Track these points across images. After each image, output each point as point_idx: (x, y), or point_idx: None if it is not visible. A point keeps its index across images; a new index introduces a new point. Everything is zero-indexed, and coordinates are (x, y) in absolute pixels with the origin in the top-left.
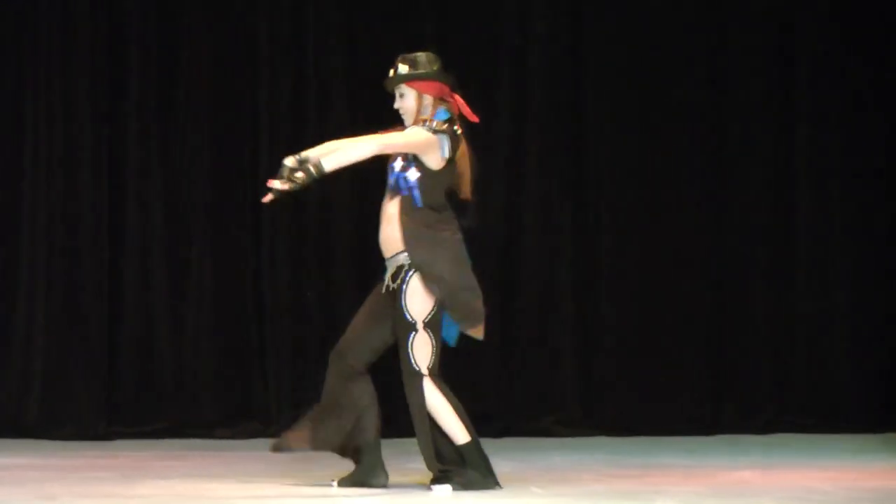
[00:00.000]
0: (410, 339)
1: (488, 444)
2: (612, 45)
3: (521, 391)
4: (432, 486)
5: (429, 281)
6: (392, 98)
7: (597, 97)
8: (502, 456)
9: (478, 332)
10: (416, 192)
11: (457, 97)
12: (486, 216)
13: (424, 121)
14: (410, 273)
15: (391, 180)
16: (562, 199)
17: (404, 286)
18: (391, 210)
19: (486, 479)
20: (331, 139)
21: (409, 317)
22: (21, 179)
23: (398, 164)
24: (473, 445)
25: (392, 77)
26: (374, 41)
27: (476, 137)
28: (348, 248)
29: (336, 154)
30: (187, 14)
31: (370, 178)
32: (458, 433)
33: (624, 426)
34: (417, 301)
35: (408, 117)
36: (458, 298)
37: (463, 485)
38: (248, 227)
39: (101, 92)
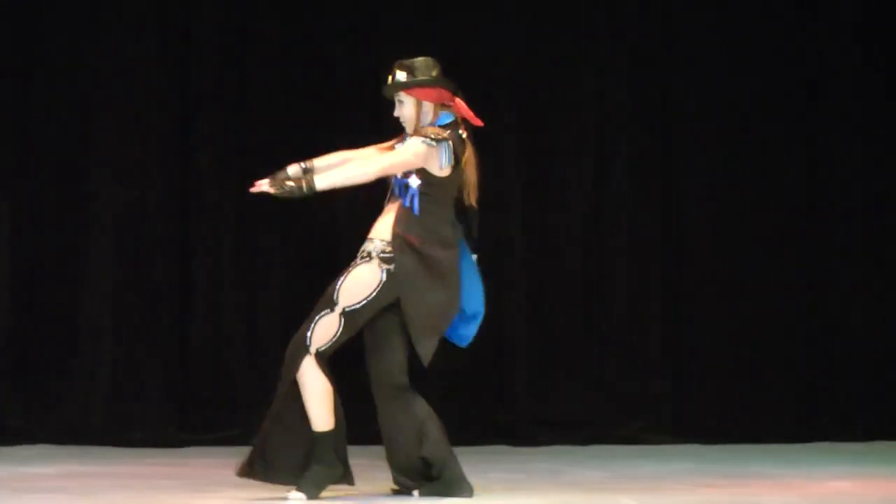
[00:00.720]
0: (322, 315)
1: (576, 452)
2: (703, 45)
3: (609, 398)
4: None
5: (395, 286)
6: (392, 105)
7: (685, 98)
8: (590, 465)
9: (425, 357)
10: (416, 201)
11: (458, 101)
12: (571, 218)
13: (426, 134)
14: (368, 260)
15: (394, 185)
16: (650, 202)
17: (353, 268)
18: (388, 214)
19: (328, 473)
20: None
21: (335, 296)
22: (88, 180)
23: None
24: (329, 437)
25: (390, 84)
26: (455, 35)
27: (559, 137)
28: None
29: (335, 174)
30: (257, 9)
31: None
32: (319, 420)
33: (715, 433)
34: (353, 287)
35: (408, 125)
36: (424, 319)
37: (304, 483)
38: (322, 232)
39: (171, 89)
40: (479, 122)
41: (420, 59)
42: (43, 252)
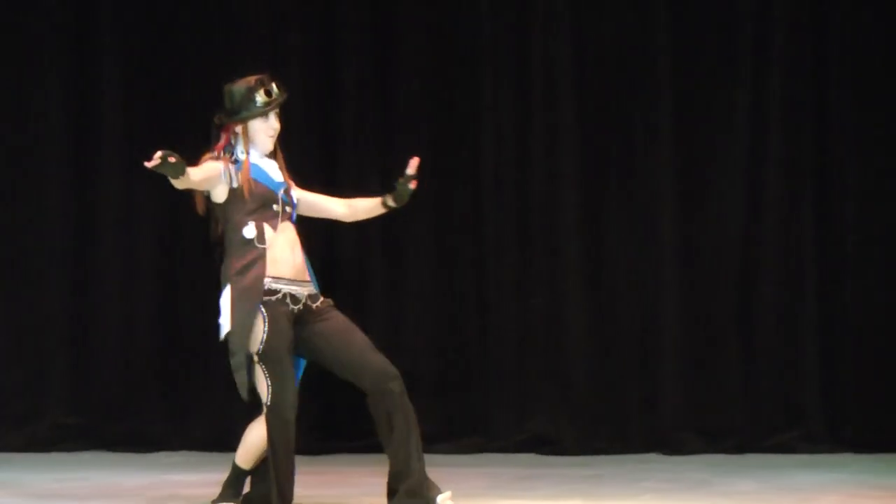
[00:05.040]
0: None
1: (727, 461)
2: (860, 40)
3: (763, 405)
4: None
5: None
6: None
7: (842, 96)
8: (743, 474)
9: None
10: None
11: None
12: (723, 224)
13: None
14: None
15: (286, 204)
16: (803, 208)
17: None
18: (295, 235)
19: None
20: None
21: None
22: None
23: (294, 192)
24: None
25: (284, 97)
26: (599, 30)
27: (712, 144)
28: (574, 255)
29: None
30: (403, 9)
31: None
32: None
33: (870, 443)
34: None
35: (274, 139)
36: None
37: None
38: (469, 230)
39: (315, 90)
40: None
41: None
42: (185, 262)
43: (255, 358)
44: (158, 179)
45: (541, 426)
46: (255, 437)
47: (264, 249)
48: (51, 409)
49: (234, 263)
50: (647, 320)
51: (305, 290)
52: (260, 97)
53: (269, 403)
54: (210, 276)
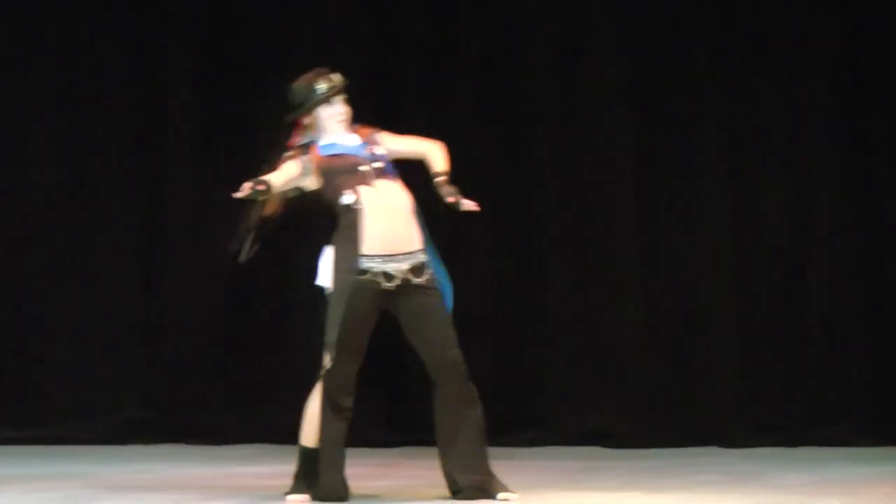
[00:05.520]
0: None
1: (781, 455)
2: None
3: (814, 400)
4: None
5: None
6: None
7: (882, 98)
8: (795, 466)
9: None
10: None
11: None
12: (774, 222)
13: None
14: (431, 269)
15: (380, 164)
16: (853, 202)
17: (434, 280)
18: (399, 202)
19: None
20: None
21: (449, 309)
22: None
23: (378, 149)
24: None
25: (345, 83)
26: (650, 33)
27: (766, 145)
28: (631, 253)
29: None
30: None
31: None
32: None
33: None
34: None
35: (346, 123)
36: None
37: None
38: (527, 230)
39: (373, 103)
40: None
41: None
42: (252, 260)
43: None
44: (225, 181)
45: (601, 420)
46: (316, 410)
47: (357, 215)
48: (124, 403)
49: (338, 230)
50: (702, 317)
51: (405, 263)
52: (321, 86)
53: (325, 370)
54: (277, 272)
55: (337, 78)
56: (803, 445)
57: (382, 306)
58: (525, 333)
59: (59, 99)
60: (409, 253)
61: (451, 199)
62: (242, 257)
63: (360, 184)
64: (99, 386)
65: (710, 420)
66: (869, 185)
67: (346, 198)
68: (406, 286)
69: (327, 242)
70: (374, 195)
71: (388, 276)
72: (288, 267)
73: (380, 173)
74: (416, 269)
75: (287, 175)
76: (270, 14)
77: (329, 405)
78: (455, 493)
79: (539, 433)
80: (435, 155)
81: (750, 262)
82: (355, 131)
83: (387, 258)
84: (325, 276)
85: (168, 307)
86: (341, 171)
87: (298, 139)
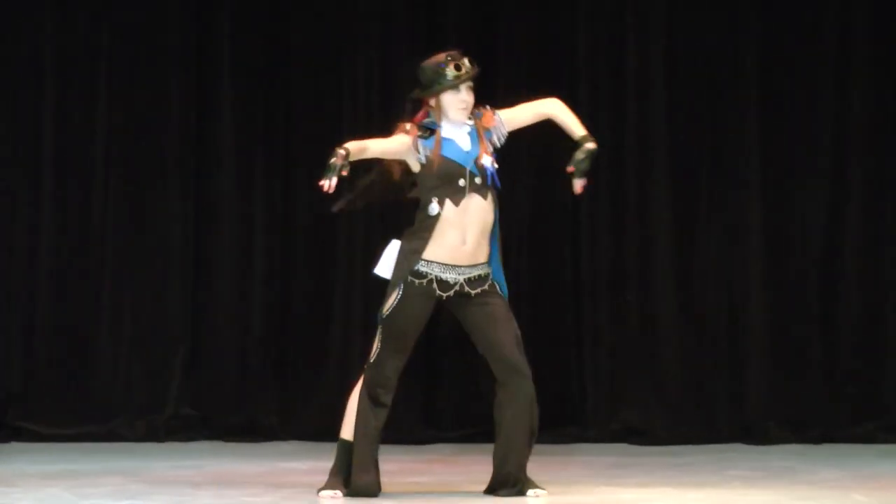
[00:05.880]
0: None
1: (811, 451)
2: None
3: (845, 397)
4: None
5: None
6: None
7: None
8: (826, 462)
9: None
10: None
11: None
12: (808, 224)
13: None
14: (496, 287)
15: (479, 180)
16: (885, 204)
17: (494, 286)
18: (488, 209)
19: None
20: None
21: (512, 317)
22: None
23: (487, 160)
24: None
25: (475, 69)
26: (689, 37)
27: (800, 141)
28: (666, 253)
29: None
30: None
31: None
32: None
33: None
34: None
35: (467, 112)
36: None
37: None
38: (563, 232)
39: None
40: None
41: None
42: (296, 262)
43: (379, 318)
44: (271, 184)
45: (633, 417)
46: (357, 403)
47: (435, 222)
48: (170, 401)
49: (413, 226)
50: (734, 315)
51: (465, 275)
52: (450, 71)
53: (369, 362)
54: (320, 272)
55: (466, 64)
56: (833, 442)
57: (435, 310)
58: (557, 333)
59: (112, 100)
60: (472, 266)
61: (579, 188)
62: (336, 208)
63: (451, 197)
64: (145, 385)
65: (742, 417)
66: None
67: (432, 207)
68: (460, 296)
69: (398, 236)
70: (459, 209)
71: (444, 285)
72: (329, 267)
73: (477, 188)
74: (474, 281)
75: (389, 146)
76: (313, 29)
77: (368, 398)
78: (490, 490)
79: (575, 430)
80: (563, 114)
81: (782, 260)
82: (480, 115)
83: (447, 267)
84: (386, 267)
85: (213, 310)
86: (441, 178)
87: (422, 116)
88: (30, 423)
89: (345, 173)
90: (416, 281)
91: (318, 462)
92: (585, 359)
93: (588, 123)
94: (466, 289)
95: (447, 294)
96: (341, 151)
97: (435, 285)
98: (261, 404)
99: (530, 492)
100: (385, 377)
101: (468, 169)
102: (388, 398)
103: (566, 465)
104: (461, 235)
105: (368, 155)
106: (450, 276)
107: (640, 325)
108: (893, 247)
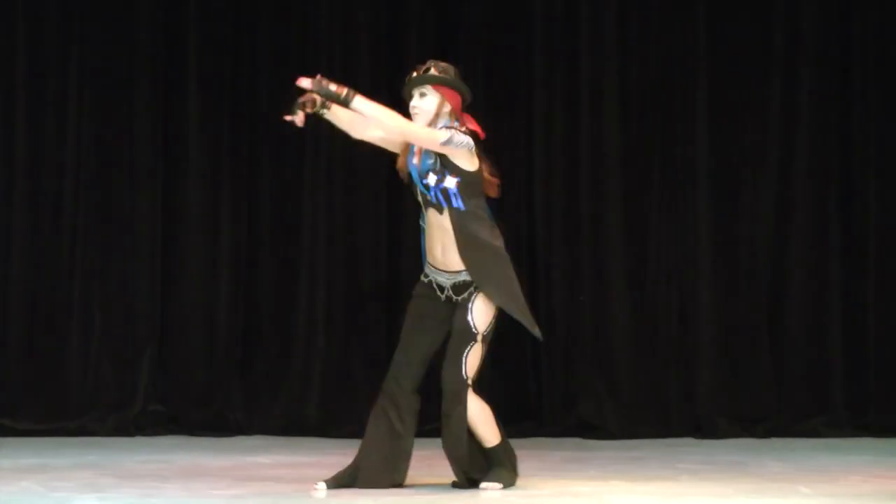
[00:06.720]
0: (468, 349)
1: (759, 445)
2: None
3: (791, 394)
4: (483, 485)
5: (493, 298)
6: (405, 99)
7: (868, 99)
8: (773, 456)
9: (536, 332)
10: (460, 199)
11: (467, 115)
12: (755, 223)
13: (449, 128)
14: (477, 291)
15: (429, 195)
16: (829, 203)
17: (472, 300)
18: (445, 224)
19: (511, 475)
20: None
21: (473, 328)
22: (301, 187)
23: (432, 179)
24: (502, 446)
25: (421, 75)
26: (641, 44)
27: (748, 142)
28: (618, 254)
29: (371, 104)
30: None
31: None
32: (491, 437)
33: (892, 428)
34: (482, 314)
35: (422, 118)
36: (519, 308)
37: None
38: (519, 234)
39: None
40: (483, 135)
41: (449, 65)
42: (261, 260)
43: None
44: (236, 185)
45: (587, 413)
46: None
47: (423, 227)
48: (139, 397)
49: None
50: (684, 314)
51: (451, 280)
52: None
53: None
54: (284, 272)
55: (415, 74)
56: (776, 436)
57: (444, 313)
58: (511, 328)
59: (81, 108)
60: (454, 272)
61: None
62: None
63: (423, 207)
64: (114, 382)
65: (692, 413)
66: (847, 185)
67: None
68: (450, 300)
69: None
70: (428, 219)
71: (441, 287)
72: (294, 267)
73: (431, 203)
74: (458, 287)
75: (393, 128)
76: (280, 36)
77: (384, 389)
78: (454, 484)
79: (530, 425)
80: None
81: (730, 265)
82: (462, 122)
83: (437, 271)
84: None
85: (179, 309)
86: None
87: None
88: (3, 419)
89: (310, 110)
90: (423, 281)
91: (283, 456)
92: (541, 357)
93: (544, 125)
94: (453, 295)
95: (444, 296)
96: (338, 92)
97: (435, 287)
98: (227, 401)
99: (483, 484)
100: (397, 371)
101: (418, 186)
102: (400, 394)
103: (521, 458)
104: (434, 244)
105: (371, 121)
106: (441, 280)
107: (594, 323)
108: (840, 246)
